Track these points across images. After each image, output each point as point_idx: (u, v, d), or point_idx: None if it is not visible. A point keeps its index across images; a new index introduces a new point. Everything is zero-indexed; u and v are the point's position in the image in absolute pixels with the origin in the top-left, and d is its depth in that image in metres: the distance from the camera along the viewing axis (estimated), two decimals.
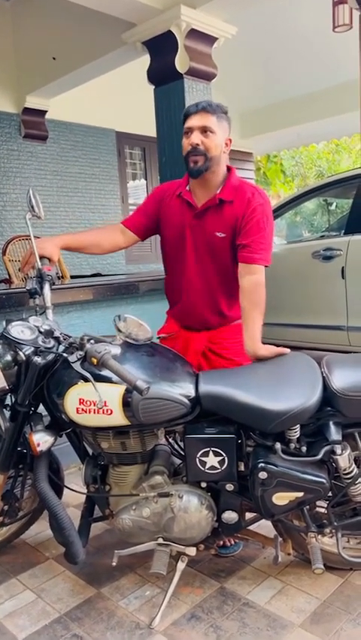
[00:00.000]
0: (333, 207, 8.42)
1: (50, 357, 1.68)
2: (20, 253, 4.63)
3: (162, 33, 3.59)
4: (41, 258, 1.90)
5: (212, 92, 3.81)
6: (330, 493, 1.73)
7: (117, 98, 5.57)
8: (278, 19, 5.24)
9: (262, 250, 1.92)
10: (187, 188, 2.03)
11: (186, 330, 2.10)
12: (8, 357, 1.67)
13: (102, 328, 3.08)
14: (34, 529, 2.19)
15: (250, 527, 1.84)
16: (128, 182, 6.65)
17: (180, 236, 2.02)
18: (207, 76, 3.72)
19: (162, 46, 3.64)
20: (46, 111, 5.39)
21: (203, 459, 1.68)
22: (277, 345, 1.86)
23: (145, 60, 3.84)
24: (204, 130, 1.91)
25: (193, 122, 1.93)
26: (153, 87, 3.81)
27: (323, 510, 1.81)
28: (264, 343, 1.88)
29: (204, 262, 2.01)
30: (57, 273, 1.94)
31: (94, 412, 1.58)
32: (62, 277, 2.91)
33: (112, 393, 1.57)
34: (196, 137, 1.91)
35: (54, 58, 4.70)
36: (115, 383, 1.58)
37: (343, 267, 3.87)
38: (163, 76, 3.69)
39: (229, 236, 1.96)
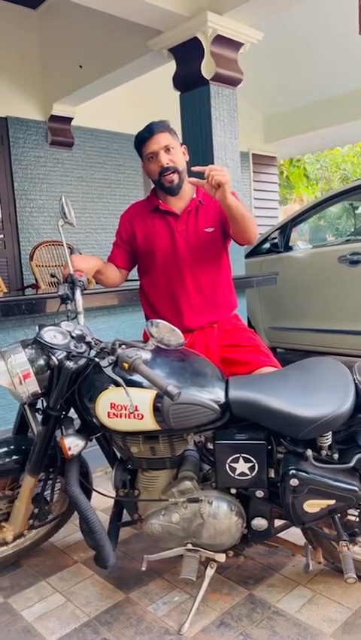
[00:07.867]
0: (359, 211, 8.32)
1: (82, 361, 1.70)
2: (47, 259, 4.69)
3: (188, 40, 3.62)
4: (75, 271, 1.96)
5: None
6: None
7: (142, 105, 5.61)
8: (302, 22, 5.22)
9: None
10: (160, 201, 2.18)
11: (191, 333, 2.17)
12: (41, 362, 1.69)
13: (128, 333, 3.10)
14: (63, 533, 2.21)
15: (279, 534, 1.83)
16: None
17: (171, 244, 2.15)
18: (233, 82, 3.73)
19: (187, 53, 3.66)
20: (72, 118, 5.46)
21: (233, 465, 1.68)
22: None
23: (170, 66, 3.87)
24: (167, 149, 2.05)
25: (153, 146, 2.05)
26: (179, 93, 3.84)
27: (354, 518, 1.78)
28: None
29: (200, 259, 2.16)
30: (88, 279, 1.98)
31: (125, 417, 1.59)
32: (89, 282, 2.97)
33: (143, 398, 1.58)
34: (164, 158, 2.05)
35: (80, 66, 4.77)
36: (146, 388, 1.59)
37: None
38: (189, 82, 3.71)
39: (218, 228, 2.14)
